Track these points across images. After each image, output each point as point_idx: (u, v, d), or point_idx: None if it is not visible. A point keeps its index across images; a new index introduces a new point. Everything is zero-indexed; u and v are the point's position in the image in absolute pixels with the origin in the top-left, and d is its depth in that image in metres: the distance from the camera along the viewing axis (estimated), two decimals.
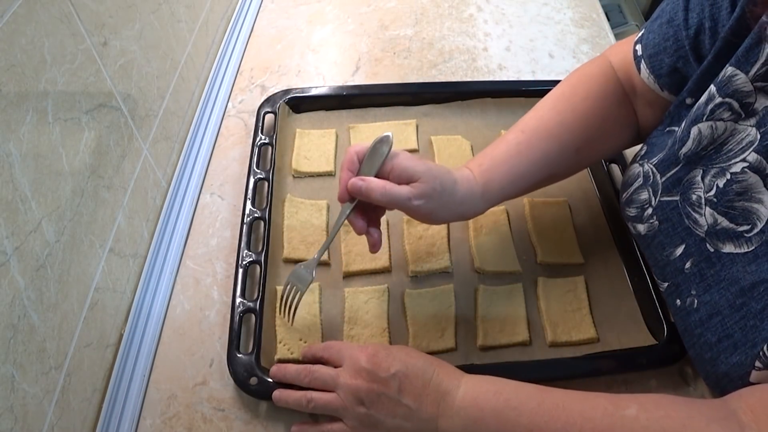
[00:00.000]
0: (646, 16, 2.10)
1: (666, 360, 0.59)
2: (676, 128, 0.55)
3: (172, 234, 0.72)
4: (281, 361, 0.60)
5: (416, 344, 0.62)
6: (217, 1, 0.95)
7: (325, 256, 0.68)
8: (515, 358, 0.60)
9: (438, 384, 0.50)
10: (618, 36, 0.99)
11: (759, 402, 0.43)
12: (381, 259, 0.68)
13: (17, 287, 0.44)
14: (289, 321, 0.61)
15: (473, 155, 0.79)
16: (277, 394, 0.56)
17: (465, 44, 0.99)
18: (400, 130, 0.81)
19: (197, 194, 0.77)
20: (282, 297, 0.60)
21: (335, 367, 0.54)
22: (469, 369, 0.55)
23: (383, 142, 0.56)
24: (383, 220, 0.71)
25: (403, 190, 0.54)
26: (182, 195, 0.76)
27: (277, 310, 0.62)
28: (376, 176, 0.56)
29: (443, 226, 0.71)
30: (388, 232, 0.71)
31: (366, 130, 0.81)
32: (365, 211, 0.58)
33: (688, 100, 0.54)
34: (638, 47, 0.59)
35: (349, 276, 0.67)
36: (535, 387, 0.50)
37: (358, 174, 0.56)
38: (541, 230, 0.71)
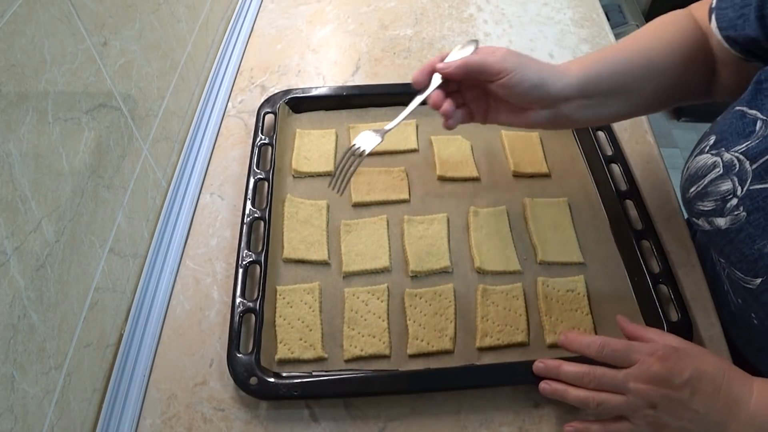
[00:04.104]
0: (646, 16, 2.11)
1: None
2: (756, 113, 0.52)
3: (172, 234, 0.72)
4: (281, 361, 0.60)
5: (416, 344, 0.62)
6: (217, 1, 0.95)
7: (325, 256, 0.68)
8: (515, 358, 0.60)
9: (729, 389, 0.49)
10: (618, 36, 0.99)
11: None
12: (381, 259, 0.68)
13: (17, 287, 0.44)
14: (339, 191, 0.60)
15: (473, 156, 0.79)
16: (553, 387, 0.55)
17: None
18: (400, 130, 0.81)
19: (197, 194, 0.77)
20: (338, 165, 0.60)
21: (617, 367, 0.53)
22: (469, 369, 0.55)
23: (469, 43, 0.59)
24: (383, 218, 0.71)
25: (486, 55, 0.57)
26: (182, 195, 0.76)
27: (337, 170, 0.60)
28: None
29: (443, 226, 0.71)
30: (387, 231, 0.71)
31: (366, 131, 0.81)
32: (447, 94, 0.60)
33: (767, 84, 0.52)
34: (714, 0, 0.59)
35: (349, 276, 0.67)
36: None
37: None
38: (541, 230, 0.71)
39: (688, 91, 0.64)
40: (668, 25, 0.63)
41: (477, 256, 0.68)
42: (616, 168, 0.76)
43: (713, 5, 0.59)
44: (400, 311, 0.65)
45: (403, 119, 0.60)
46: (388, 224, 0.71)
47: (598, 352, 0.53)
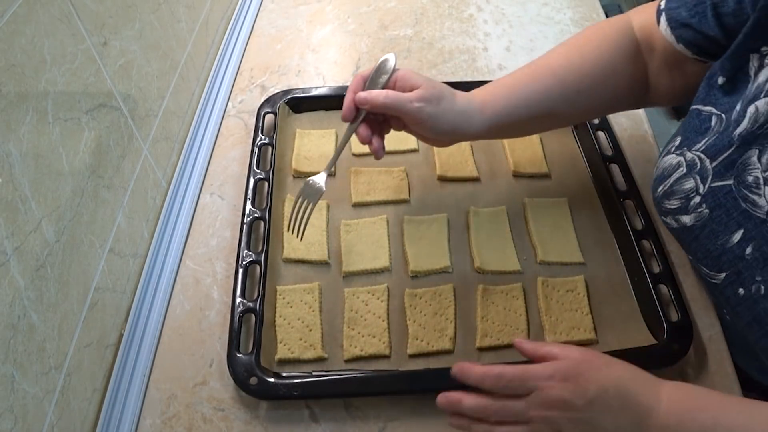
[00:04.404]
0: None
1: (667, 360, 0.59)
2: (711, 109, 0.54)
3: (172, 234, 0.72)
4: (282, 361, 0.60)
5: (416, 344, 0.62)
6: (217, 1, 0.95)
7: (325, 256, 0.68)
8: (515, 358, 0.60)
9: (637, 401, 0.47)
10: None
11: None
12: (381, 259, 0.68)
13: (17, 287, 0.44)
14: (298, 236, 0.62)
15: (473, 155, 0.79)
16: (458, 423, 0.52)
17: (465, 44, 0.99)
18: None
19: (197, 194, 0.77)
20: (293, 211, 0.62)
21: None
22: None
23: (386, 61, 0.61)
24: (383, 218, 0.71)
25: (406, 94, 0.59)
26: (182, 195, 0.76)
27: (286, 226, 0.64)
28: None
29: (443, 226, 0.71)
30: (387, 231, 0.71)
31: None
32: (371, 127, 0.62)
33: (720, 80, 0.53)
34: (662, 2, 0.60)
35: (348, 276, 0.67)
36: (739, 400, 0.48)
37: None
38: (541, 230, 0.71)
39: (619, 103, 0.68)
40: (593, 42, 0.64)
41: (477, 256, 0.68)
42: (616, 168, 0.76)
43: (662, 6, 0.60)
44: (400, 311, 0.65)
45: (338, 154, 0.63)
46: (388, 224, 0.71)
47: (494, 384, 0.50)
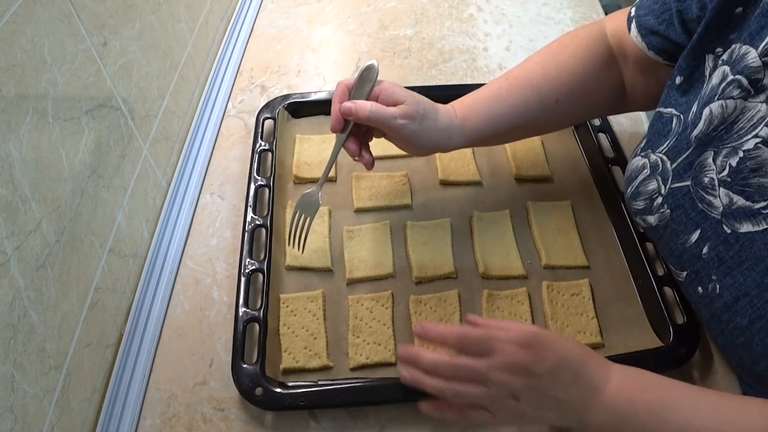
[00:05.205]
0: None
1: (673, 362, 0.58)
2: (671, 110, 0.55)
3: (172, 234, 0.72)
4: (286, 371, 0.60)
5: None
6: (217, 1, 0.95)
7: (328, 263, 0.68)
8: None
9: (589, 377, 0.49)
10: None
11: None
12: (385, 266, 0.67)
13: (17, 287, 0.44)
14: (299, 250, 0.64)
15: (474, 156, 0.79)
16: (411, 374, 0.52)
17: (465, 44, 0.99)
18: None
19: (197, 194, 0.77)
20: (291, 226, 0.63)
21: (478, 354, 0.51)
22: None
23: (369, 69, 0.61)
24: (386, 224, 0.71)
25: (390, 109, 0.59)
26: (182, 195, 0.76)
27: (286, 240, 0.64)
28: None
29: (446, 231, 0.70)
30: (391, 237, 0.70)
31: None
32: (357, 138, 0.63)
33: (678, 80, 0.55)
34: (633, 9, 0.61)
35: (352, 283, 0.67)
36: (686, 385, 0.49)
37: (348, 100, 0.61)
38: (545, 233, 0.70)
39: (598, 109, 0.70)
40: (568, 49, 0.65)
41: (481, 260, 0.68)
42: (618, 170, 0.75)
43: (632, 14, 0.61)
44: (405, 318, 0.64)
45: (330, 166, 0.64)
46: (390, 230, 0.71)
47: (458, 342, 0.51)
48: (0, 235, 0.43)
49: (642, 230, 0.63)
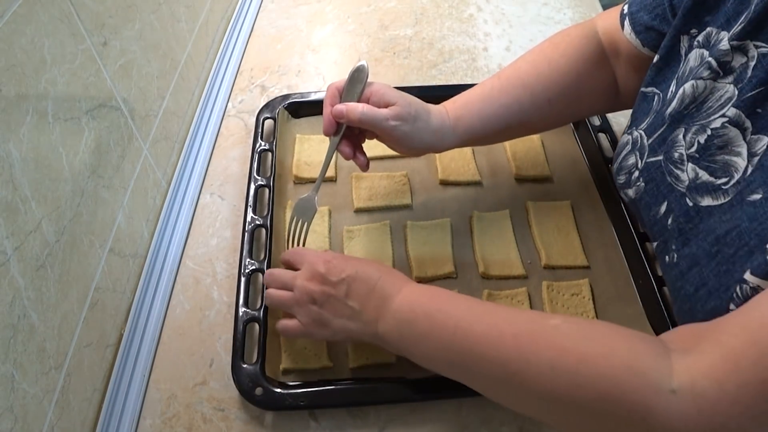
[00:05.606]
0: None
1: None
2: (652, 89, 0.57)
3: (172, 234, 0.72)
4: (286, 371, 0.60)
5: None
6: (217, 1, 0.95)
7: None
8: None
9: (382, 289, 0.53)
10: None
11: (687, 330, 0.44)
12: None
13: (17, 287, 0.44)
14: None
15: (474, 156, 0.79)
16: (267, 292, 0.60)
17: (465, 44, 0.99)
18: None
19: (197, 194, 0.77)
20: (289, 232, 0.64)
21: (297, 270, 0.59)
22: None
23: (360, 70, 0.61)
24: (386, 224, 0.71)
25: (382, 110, 0.60)
26: (182, 195, 0.76)
27: (286, 244, 0.65)
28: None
29: (446, 231, 0.70)
30: (391, 237, 0.70)
31: None
32: (351, 140, 0.64)
33: (656, 59, 0.56)
34: (625, 6, 0.62)
35: None
36: (468, 297, 0.52)
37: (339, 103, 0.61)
38: (545, 233, 0.70)
39: (591, 108, 0.71)
40: (559, 48, 0.65)
41: (481, 260, 0.68)
42: None
43: (625, 11, 0.61)
44: None
45: (325, 170, 0.64)
46: (390, 230, 0.71)
47: (283, 259, 0.61)
48: (0, 235, 0.43)
49: (625, 201, 0.64)
